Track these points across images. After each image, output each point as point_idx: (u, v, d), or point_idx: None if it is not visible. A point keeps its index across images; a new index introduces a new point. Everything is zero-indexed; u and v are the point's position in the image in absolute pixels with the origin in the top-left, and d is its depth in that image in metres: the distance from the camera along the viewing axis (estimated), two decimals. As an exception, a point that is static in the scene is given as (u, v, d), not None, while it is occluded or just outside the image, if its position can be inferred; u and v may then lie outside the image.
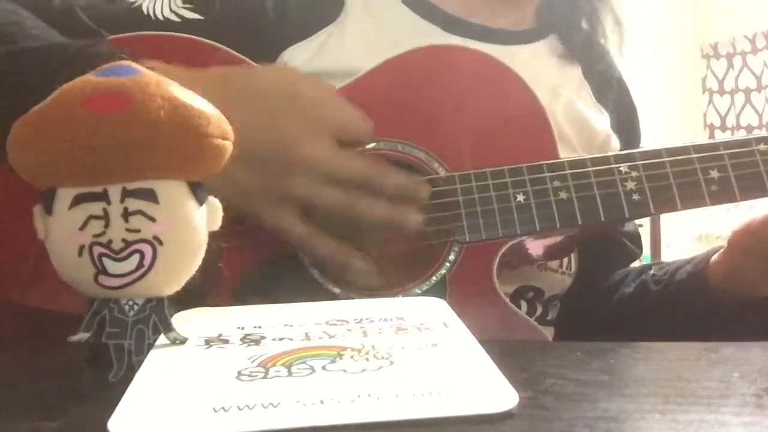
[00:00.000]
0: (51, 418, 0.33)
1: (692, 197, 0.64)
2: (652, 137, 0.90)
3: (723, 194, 0.64)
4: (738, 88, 3.63)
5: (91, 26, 0.66)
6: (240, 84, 0.60)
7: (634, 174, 0.64)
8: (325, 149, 0.58)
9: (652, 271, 0.79)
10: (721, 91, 3.71)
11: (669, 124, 3.15)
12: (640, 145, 0.88)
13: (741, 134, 3.57)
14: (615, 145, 0.82)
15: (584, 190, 0.63)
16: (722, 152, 0.64)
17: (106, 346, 0.37)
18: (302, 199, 0.58)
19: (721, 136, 3.69)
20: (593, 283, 0.82)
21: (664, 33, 3.63)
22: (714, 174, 0.64)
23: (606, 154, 0.66)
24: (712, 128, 3.73)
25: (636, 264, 0.90)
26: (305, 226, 0.58)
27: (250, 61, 0.66)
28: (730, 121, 3.65)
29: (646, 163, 0.64)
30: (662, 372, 0.40)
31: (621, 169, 0.64)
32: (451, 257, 0.63)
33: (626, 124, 0.86)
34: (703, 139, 3.71)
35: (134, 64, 0.39)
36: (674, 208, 0.64)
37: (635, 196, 0.63)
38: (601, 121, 0.81)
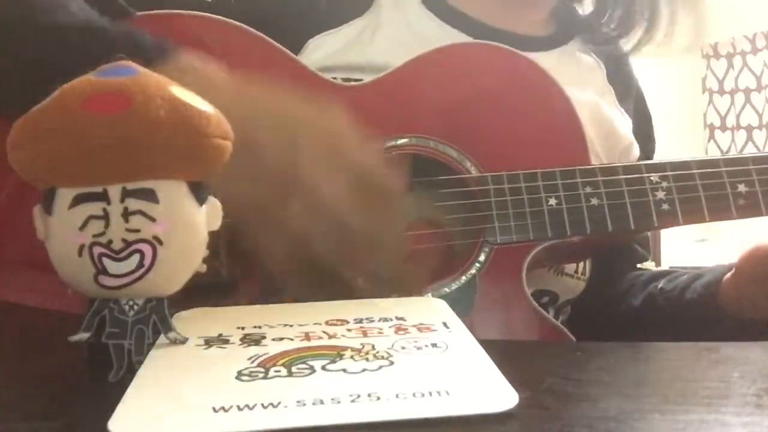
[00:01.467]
0: (51, 418, 0.33)
1: (720, 210, 0.64)
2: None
3: (750, 208, 0.65)
4: (738, 88, 3.63)
5: (122, 3, 0.65)
6: (285, 109, 0.54)
7: (664, 184, 0.64)
8: (337, 189, 0.52)
9: (660, 285, 0.78)
10: (721, 91, 3.71)
11: (669, 124, 3.14)
12: (654, 154, 0.88)
13: (741, 134, 3.58)
14: (636, 154, 0.82)
15: (615, 198, 0.64)
16: (750, 167, 0.65)
17: (106, 346, 0.37)
18: (292, 229, 0.51)
19: (721, 136, 3.69)
20: (603, 287, 0.81)
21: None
22: (742, 188, 0.64)
23: (637, 163, 0.67)
24: (712, 128, 3.73)
25: (648, 264, 0.89)
26: (283, 261, 0.52)
27: (280, 45, 0.65)
28: (730, 121, 3.65)
29: (676, 174, 0.65)
30: (662, 372, 0.40)
31: (652, 178, 0.64)
32: (481, 258, 0.63)
33: (643, 133, 0.86)
34: (702, 139, 3.71)
35: (134, 64, 0.39)
36: (702, 220, 0.64)
37: (664, 206, 0.64)
38: (625, 125, 0.81)
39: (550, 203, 0.63)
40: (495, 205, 0.63)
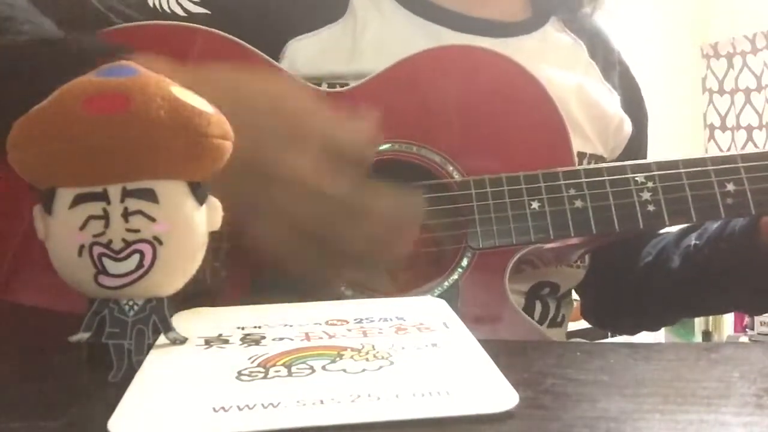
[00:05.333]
0: (51, 418, 0.33)
1: (707, 210, 0.63)
2: (653, 137, 0.90)
3: (738, 208, 0.63)
4: (738, 88, 3.63)
5: (102, 11, 0.65)
6: (226, 92, 0.52)
7: (649, 185, 0.63)
8: (308, 165, 0.52)
9: (693, 242, 0.76)
10: (721, 91, 3.71)
11: (669, 124, 3.15)
12: (647, 123, 0.87)
13: (741, 134, 3.58)
14: (628, 129, 0.81)
15: (599, 200, 0.63)
16: (739, 165, 0.64)
17: (106, 346, 0.37)
18: (283, 215, 0.52)
19: (721, 136, 3.69)
20: (624, 253, 0.81)
21: (664, 33, 3.63)
22: (730, 187, 0.63)
23: (622, 163, 0.66)
24: (712, 128, 3.73)
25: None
26: (285, 243, 0.53)
27: (255, 49, 0.65)
28: (730, 121, 3.65)
29: (662, 174, 0.64)
30: (662, 372, 0.40)
31: (637, 179, 0.64)
32: (464, 263, 0.63)
33: (632, 103, 0.85)
34: (702, 139, 3.71)
35: (134, 64, 0.39)
36: (689, 220, 0.63)
37: (650, 207, 0.63)
38: (612, 102, 0.80)
39: (533, 206, 0.63)
40: (477, 210, 0.63)
